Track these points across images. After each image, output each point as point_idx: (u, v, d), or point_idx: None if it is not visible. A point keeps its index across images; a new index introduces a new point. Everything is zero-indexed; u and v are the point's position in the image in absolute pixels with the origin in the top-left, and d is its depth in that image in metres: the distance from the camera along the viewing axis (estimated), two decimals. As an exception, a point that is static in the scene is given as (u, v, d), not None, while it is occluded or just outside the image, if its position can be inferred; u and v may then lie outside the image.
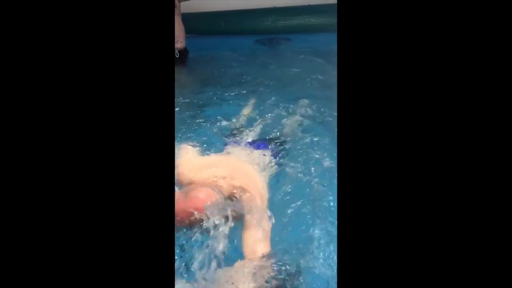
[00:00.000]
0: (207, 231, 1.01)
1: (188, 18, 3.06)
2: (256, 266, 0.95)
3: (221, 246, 0.97)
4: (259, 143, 1.55)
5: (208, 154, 1.42)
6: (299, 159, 1.46)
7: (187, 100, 2.17)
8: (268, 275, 0.94)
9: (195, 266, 0.93)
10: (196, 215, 1.00)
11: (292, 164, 1.42)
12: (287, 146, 1.55)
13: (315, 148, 1.52)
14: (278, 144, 1.54)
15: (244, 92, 2.27)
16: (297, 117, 1.83)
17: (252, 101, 2.04)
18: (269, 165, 1.41)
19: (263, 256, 0.99)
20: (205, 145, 1.52)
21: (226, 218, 1.01)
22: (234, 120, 1.84)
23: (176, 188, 1.06)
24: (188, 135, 1.68)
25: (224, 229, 0.99)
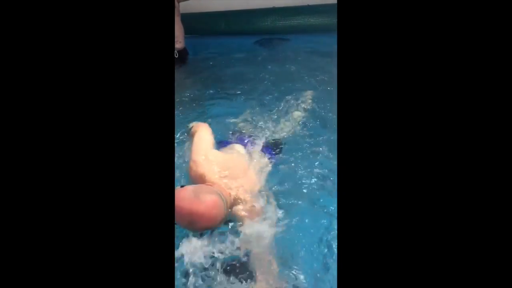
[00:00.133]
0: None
1: (188, 19, 3.05)
2: None
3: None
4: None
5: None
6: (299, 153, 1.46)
7: (187, 99, 2.17)
8: None
9: None
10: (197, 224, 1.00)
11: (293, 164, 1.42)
12: (287, 146, 1.55)
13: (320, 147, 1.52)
14: (279, 147, 1.54)
15: (244, 91, 2.27)
16: (299, 113, 1.83)
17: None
18: (268, 166, 1.41)
19: None
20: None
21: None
22: (238, 119, 1.84)
23: (190, 186, 1.05)
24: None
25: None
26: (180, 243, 1.02)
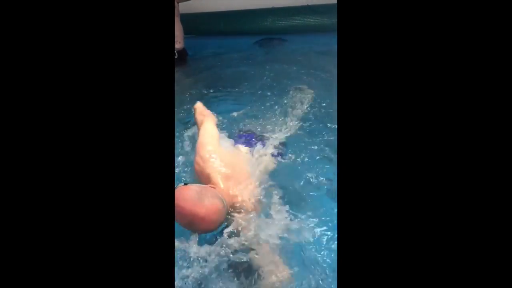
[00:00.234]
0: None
1: (187, 19, 3.05)
2: None
3: None
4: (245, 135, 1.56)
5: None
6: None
7: (188, 99, 2.17)
8: None
9: None
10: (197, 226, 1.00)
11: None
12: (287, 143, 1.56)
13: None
14: (282, 147, 1.54)
15: (244, 91, 2.27)
16: (299, 112, 1.83)
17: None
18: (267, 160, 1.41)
19: None
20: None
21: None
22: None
23: (194, 186, 1.05)
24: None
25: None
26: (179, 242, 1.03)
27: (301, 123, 1.75)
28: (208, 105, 1.87)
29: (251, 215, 1.13)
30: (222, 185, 1.16)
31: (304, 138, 1.62)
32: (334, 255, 1.06)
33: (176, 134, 1.65)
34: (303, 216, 1.18)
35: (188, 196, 0.98)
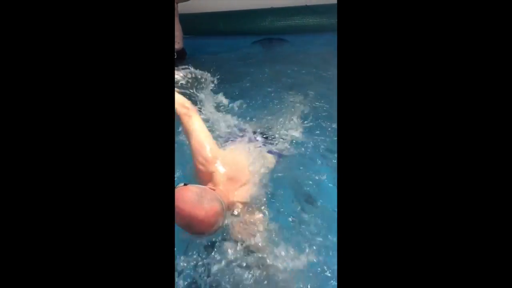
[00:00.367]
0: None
1: (186, 19, 3.05)
2: None
3: None
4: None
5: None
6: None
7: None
8: None
9: None
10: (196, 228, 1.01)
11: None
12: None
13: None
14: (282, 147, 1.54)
15: (243, 90, 2.28)
16: (297, 111, 1.84)
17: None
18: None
19: None
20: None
21: None
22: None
23: (194, 187, 1.05)
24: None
25: None
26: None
27: (301, 122, 1.75)
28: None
29: (255, 216, 1.14)
30: (223, 186, 1.16)
31: (304, 138, 1.63)
32: (334, 260, 1.06)
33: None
34: (305, 216, 1.18)
35: (187, 198, 0.98)
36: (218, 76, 1.68)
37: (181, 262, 1.06)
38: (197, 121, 1.29)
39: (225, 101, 1.79)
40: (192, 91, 1.57)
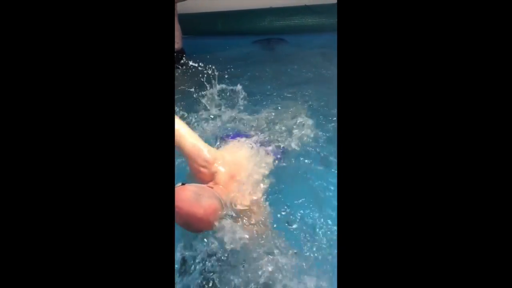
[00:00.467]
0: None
1: (185, 19, 3.05)
2: None
3: None
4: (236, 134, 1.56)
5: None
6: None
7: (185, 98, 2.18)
8: None
9: None
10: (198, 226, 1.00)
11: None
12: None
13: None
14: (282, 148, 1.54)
15: (243, 90, 2.27)
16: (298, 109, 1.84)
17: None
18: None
19: None
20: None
21: None
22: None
23: (192, 186, 1.05)
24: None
25: None
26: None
27: (300, 120, 1.76)
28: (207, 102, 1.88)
29: (255, 214, 1.14)
30: (224, 184, 1.17)
31: (303, 138, 1.63)
32: (334, 255, 1.06)
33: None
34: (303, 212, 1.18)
35: (185, 197, 0.99)
36: (218, 76, 1.68)
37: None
38: (183, 126, 1.27)
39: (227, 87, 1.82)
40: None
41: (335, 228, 1.10)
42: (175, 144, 1.21)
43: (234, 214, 1.12)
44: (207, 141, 1.56)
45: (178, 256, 1.04)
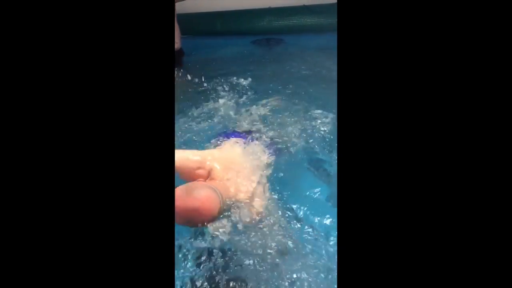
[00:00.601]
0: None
1: (183, 19, 3.04)
2: None
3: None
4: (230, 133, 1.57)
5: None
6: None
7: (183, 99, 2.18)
8: None
9: None
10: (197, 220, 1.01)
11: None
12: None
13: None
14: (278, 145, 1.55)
15: (241, 89, 2.28)
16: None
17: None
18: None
19: None
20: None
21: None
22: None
23: (180, 186, 1.05)
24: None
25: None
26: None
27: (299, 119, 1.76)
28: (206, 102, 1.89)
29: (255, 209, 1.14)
30: (220, 180, 1.17)
31: (303, 139, 1.63)
32: (334, 251, 1.06)
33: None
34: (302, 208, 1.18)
35: (177, 195, 0.99)
36: (217, 75, 1.69)
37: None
38: None
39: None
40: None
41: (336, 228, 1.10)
42: None
43: (235, 204, 1.12)
44: (202, 141, 1.58)
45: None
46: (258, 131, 1.63)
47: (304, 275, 1.00)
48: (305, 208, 1.21)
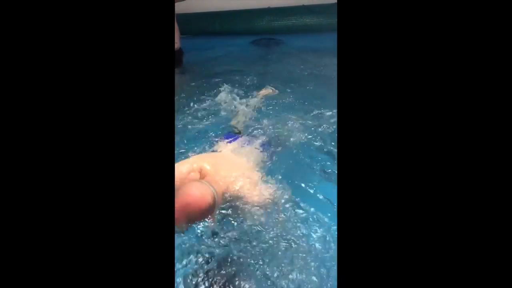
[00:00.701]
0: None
1: (183, 19, 3.05)
2: None
3: None
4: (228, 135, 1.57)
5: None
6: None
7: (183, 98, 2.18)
8: None
9: None
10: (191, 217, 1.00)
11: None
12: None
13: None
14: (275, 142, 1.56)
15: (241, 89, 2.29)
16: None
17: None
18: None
19: None
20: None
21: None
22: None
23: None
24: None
25: None
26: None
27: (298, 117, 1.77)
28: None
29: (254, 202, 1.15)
30: (210, 176, 1.16)
31: (301, 138, 1.64)
32: (334, 246, 1.05)
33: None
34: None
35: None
36: (216, 75, 1.70)
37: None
38: None
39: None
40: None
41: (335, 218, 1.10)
42: None
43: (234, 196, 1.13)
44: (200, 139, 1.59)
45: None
46: (254, 130, 1.63)
47: (303, 272, 1.00)
48: (306, 205, 1.21)
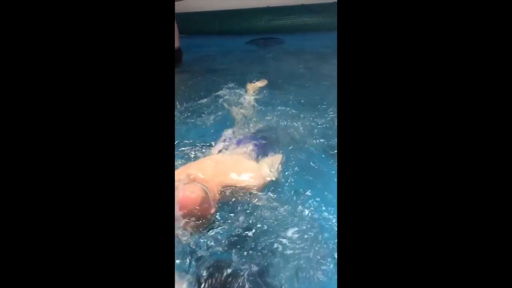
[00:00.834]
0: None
1: (182, 18, 3.04)
2: None
3: None
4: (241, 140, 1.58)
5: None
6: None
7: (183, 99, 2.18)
8: None
9: None
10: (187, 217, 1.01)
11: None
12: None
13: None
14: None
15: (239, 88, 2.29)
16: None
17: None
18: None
19: None
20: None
21: None
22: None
23: None
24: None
25: None
26: None
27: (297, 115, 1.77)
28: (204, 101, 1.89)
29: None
30: (204, 175, 1.17)
31: (299, 133, 1.64)
32: (334, 238, 1.06)
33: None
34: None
35: None
36: (215, 74, 1.69)
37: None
38: None
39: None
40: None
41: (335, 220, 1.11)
42: None
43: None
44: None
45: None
46: (252, 129, 1.63)
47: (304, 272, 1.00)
48: (305, 206, 1.21)
